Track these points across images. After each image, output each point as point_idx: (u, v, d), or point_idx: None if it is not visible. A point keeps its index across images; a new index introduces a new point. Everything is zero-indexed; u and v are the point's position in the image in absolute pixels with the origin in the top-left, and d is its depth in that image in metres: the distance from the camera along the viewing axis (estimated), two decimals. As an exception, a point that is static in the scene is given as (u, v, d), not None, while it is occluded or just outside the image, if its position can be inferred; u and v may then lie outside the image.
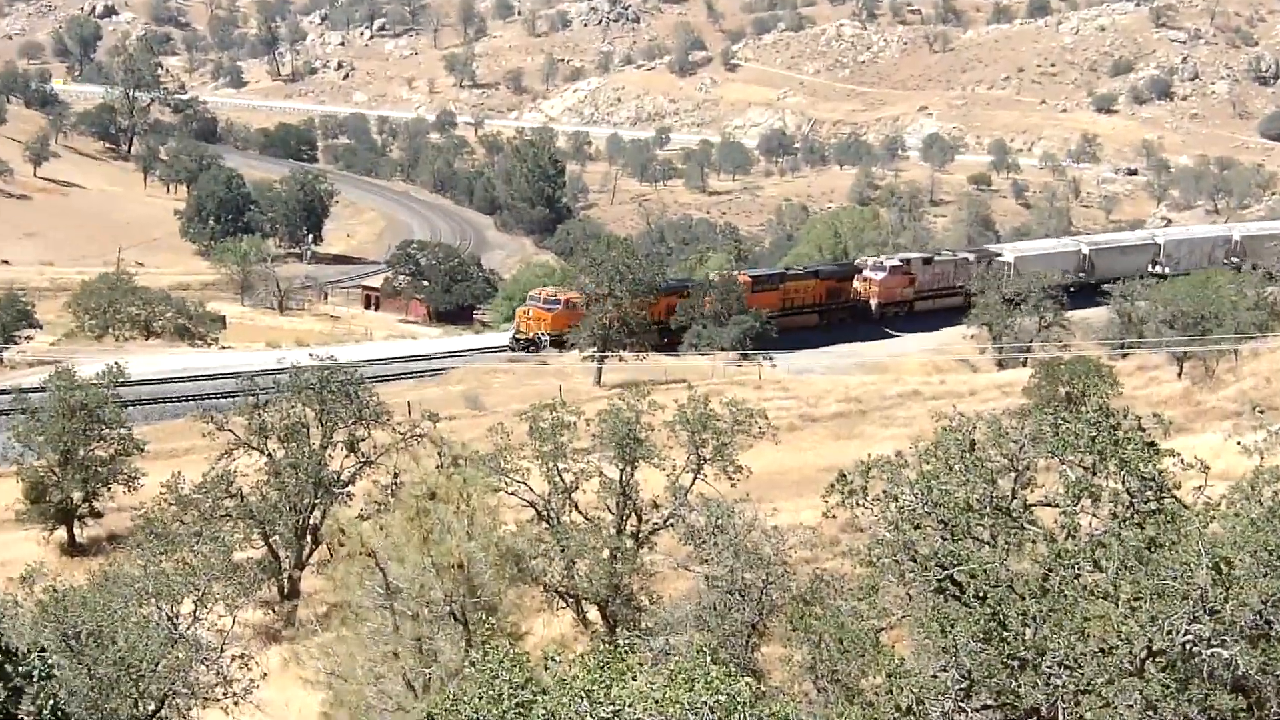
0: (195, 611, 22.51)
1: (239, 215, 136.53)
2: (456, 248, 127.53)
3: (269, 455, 33.71)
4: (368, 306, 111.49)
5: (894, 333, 78.35)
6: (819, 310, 78.62)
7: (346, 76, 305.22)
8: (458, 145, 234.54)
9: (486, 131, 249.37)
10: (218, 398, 49.87)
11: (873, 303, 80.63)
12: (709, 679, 13.56)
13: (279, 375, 35.23)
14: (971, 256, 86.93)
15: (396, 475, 31.22)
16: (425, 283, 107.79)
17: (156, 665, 21.25)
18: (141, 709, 21.01)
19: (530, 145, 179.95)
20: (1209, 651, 16.09)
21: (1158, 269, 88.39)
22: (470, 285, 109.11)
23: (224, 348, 78.22)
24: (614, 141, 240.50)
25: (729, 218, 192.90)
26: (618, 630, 25.30)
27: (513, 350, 69.94)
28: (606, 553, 26.17)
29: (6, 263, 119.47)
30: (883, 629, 19.63)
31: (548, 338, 69.03)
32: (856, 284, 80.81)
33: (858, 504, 19.64)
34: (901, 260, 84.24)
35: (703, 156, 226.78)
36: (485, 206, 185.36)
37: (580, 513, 26.93)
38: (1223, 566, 16.15)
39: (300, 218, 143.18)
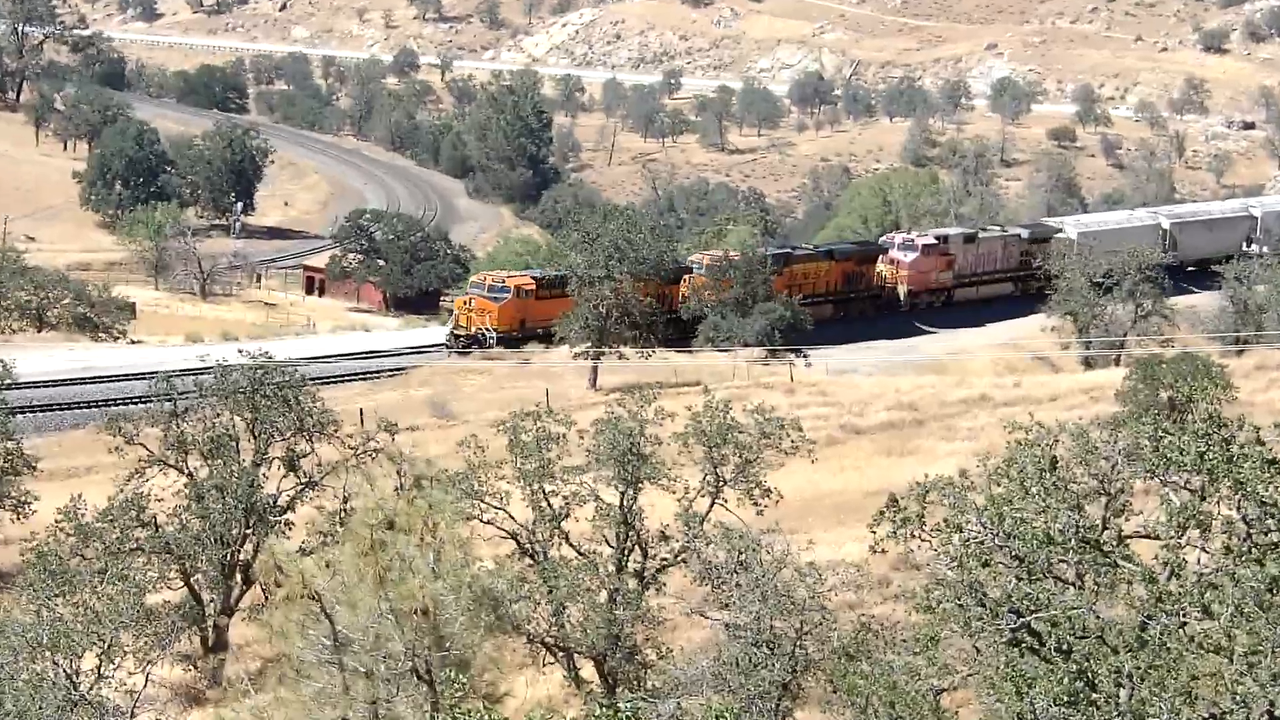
0: (99, 667, 22.52)
1: (152, 179, 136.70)
2: (419, 219, 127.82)
3: (189, 475, 33.72)
4: (310, 291, 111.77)
5: (927, 328, 77.89)
6: (834, 299, 78.39)
7: (284, 7, 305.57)
8: (420, 92, 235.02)
9: (455, 75, 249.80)
10: (126, 404, 49.99)
11: (901, 290, 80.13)
12: (731, 752, 13.60)
13: (201, 376, 35.28)
14: (1025, 233, 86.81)
15: (346, 499, 31.22)
16: (381, 262, 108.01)
17: (52, 733, 21.25)
18: (34, 787, 21.06)
19: (509, 93, 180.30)
20: (1344, 718, 16.09)
21: (1254, 246, 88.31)
22: (436, 265, 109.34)
23: (134, 342, 78.41)
24: (612, 88, 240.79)
25: (753, 181, 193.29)
26: (618, 691, 25.35)
27: (449, 349, 69.82)
28: (604, 595, 26.22)
29: None
30: (944, 690, 19.66)
31: (494, 335, 68.68)
32: (881, 267, 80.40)
33: (913, 535, 19.65)
34: (937, 238, 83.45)
35: (721, 106, 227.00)
36: (454, 168, 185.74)
37: (572, 546, 26.97)
38: (1361, 613, 16.15)
39: (227, 182, 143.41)
